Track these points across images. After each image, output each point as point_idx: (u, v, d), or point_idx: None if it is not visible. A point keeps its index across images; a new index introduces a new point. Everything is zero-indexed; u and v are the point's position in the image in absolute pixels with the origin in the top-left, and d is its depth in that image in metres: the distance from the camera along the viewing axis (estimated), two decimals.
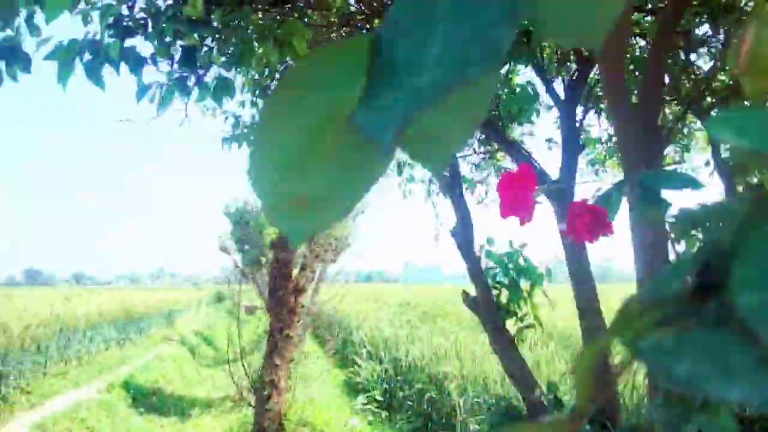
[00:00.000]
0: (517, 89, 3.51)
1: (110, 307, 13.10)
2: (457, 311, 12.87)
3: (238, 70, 3.44)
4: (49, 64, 1.82)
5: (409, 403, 6.87)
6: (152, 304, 17.06)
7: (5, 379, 7.80)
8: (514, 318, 2.88)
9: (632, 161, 2.12)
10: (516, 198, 0.79)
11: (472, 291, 2.93)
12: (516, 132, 4.51)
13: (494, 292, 2.93)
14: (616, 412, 2.50)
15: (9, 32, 1.81)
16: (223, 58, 1.93)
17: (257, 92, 3.93)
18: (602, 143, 5.20)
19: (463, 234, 2.74)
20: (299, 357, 9.88)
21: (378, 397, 7.64)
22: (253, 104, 4.05)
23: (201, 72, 2.00)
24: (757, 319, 0.17)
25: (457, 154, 2.96)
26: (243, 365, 5.93)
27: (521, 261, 2.98)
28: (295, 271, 6.15)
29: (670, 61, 3.78)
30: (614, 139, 5.19)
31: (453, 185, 2.74)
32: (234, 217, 11.04)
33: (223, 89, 2.06)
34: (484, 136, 4.84)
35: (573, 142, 3.20)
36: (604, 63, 2.21)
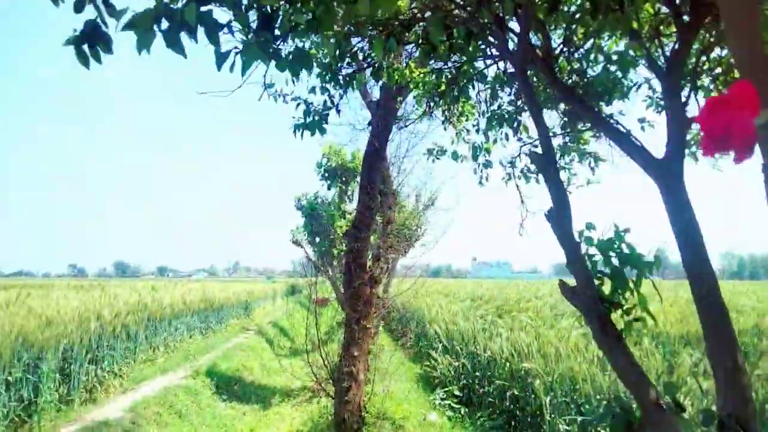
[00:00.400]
0: (614, 56, 3.16)
1: (192, 297, 13.67)
2: (533, 306, 12.38)
3: (317, 38, 3.32)
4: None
5: (490, 399, 6.61)
6: (230, 295, 17.70)
7: (100, 363, 8.28)
8: (620, 311, 2.60)
9: None
10: (729, 126, 0.57)
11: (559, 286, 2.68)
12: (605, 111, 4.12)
13: (596, 282, 2.66)
14: (749, 418, 2.17)
15: (90, 14, 1.77)
16: (302, 24, 1.78)
17: (328, 77, 3.81)
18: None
19: (560, 216, 2.48)
20: (375, 349, 9.88)
21: (456, 393, 7.44)
22: (324, 90, 3.94)
23: (278, 42, 1.88)
24: None
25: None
26: (321, 356, 5.91)
27: (625, 248, 2.69)
28: (370, 262, 6.06)
29: None
30: None
31: (547, 162, 2.48)
32: (305, 211, 11.16)
33: (300, 60, 1.93)
34: (566, 117, 4.47)
35: (680, 114, 2.84)
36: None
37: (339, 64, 3.88)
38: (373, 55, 3.98)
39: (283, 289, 34.46)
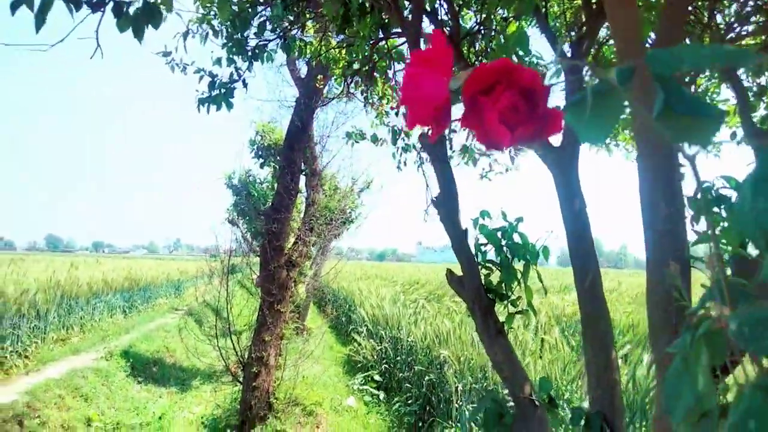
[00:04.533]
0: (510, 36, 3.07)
1: (115, 276, 13.05)
2: None
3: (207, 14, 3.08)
4: None
5: (408, 385, 6.59)
6: (159, 274, 17.05)
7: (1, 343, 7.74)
8: (506, 303, 2.53)
9: (643, 122, 1.73)
10: (422, 90, 0.44)
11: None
12: None
13: (485, 272, 2.58)
14: (617, 416, 2.15)
15: None
16: None
17: (234, 49, 3.55)
18: None
19: (447, 203, 2.37)
20: (307, 332, 9.72)
21: (377, 377, 7.39)
22: (230, 62, 3.68)
23: None
24: None
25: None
26: (232, 341, 5.68)
27: (516, 237, 2.62)
28: (289, 244, 5.86)
29: (692, 17, 3.32)
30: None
31: (436, 148, 2.37)
32: (236, 189, 10.73)
33: (148, 16, 1.70)
34: None
35: None
36: (614, 11, 1.81)
37: (244, 34, 3.63)
38: (281, 25, 3.76)
39: (223, 269, 33.60)
